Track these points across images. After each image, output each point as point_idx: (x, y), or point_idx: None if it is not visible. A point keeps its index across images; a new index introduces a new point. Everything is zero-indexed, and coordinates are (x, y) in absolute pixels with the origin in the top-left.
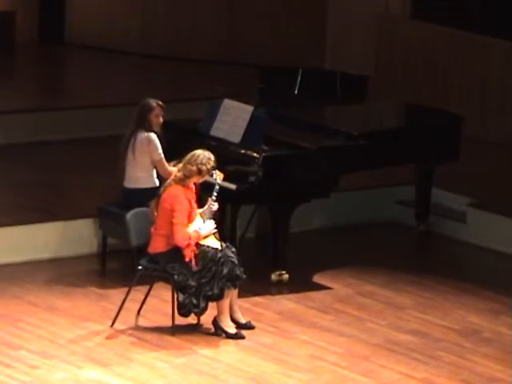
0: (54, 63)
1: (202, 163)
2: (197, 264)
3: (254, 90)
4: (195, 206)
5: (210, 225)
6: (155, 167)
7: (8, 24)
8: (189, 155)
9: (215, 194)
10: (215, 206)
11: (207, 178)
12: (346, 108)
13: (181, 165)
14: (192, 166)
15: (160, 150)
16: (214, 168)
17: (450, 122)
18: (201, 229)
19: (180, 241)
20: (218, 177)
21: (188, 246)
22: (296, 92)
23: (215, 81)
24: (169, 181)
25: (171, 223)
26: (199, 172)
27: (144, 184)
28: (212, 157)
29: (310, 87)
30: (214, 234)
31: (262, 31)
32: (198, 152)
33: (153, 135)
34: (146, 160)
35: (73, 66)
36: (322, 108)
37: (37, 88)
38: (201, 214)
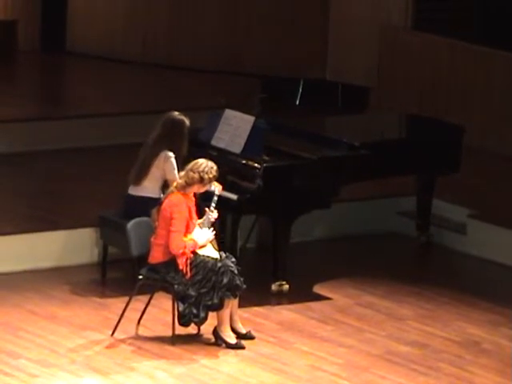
0: (56, 72)
1: (204, 171)
2: (191, 272)
3: (255, 101)
4: (195, 216)
5: (208, 234)
6: (165, 182)
7: (10, 33)
8: (192, 163)
9: (213, 204)
10: (214, 215)
11: (208, 188)
12: (348, 118)
13: (183, 172)
14: (194, 173)
15: (176, 171)
16: (215, 178)
17: (451, 133)
18: (198, 237)
19: (175, 249)
20: (217, 188)
21: (183, 254)
22: (297, 102)
23: (216, 91)
24: (171, 188)
25: (169, 232)
26: (201, 180)
27: (148, 193)
28: (215, 167)
29: (311, 98)
30: (211, 242)
31: (263, 42)
32: (202, 160)
33: (170, 154)
34: (157, 173)
35: (74, 75)
36: (323, 118)
37: (38, 97)
38: (199, 225)
